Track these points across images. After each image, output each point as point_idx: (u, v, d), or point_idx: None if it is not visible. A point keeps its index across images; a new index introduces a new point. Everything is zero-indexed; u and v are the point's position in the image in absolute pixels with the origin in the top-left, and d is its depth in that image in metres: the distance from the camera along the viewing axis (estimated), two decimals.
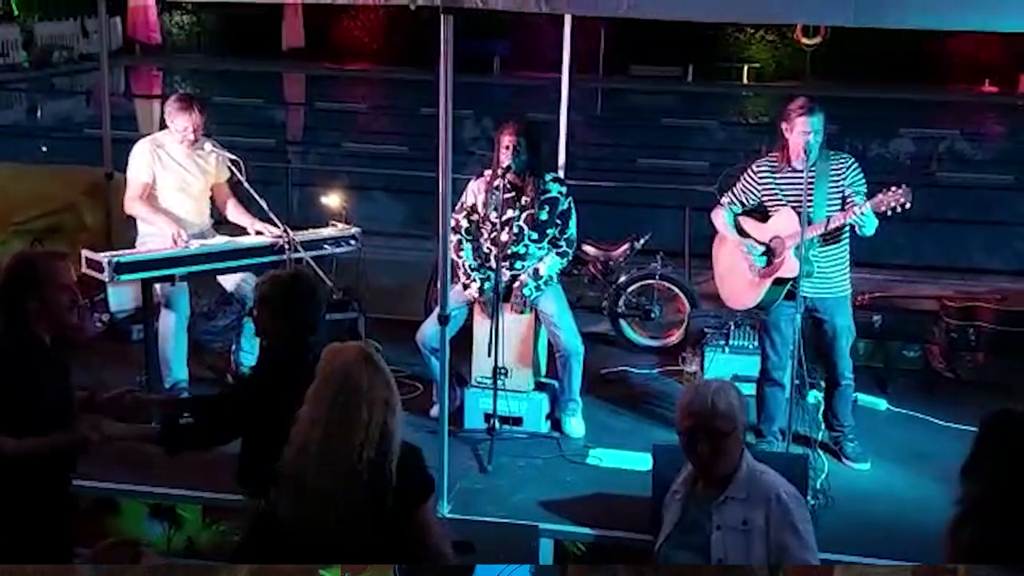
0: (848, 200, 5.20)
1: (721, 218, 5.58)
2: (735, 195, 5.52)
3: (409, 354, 6.22)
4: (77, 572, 3.29)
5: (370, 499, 3.16)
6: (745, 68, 24.42)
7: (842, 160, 5.32)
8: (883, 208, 5.01)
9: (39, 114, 21.52)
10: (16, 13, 24.29)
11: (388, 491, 3.17)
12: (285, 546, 3.23)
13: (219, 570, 3.53)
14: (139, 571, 2.72)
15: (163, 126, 6.07)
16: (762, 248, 5.41)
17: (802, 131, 5.17)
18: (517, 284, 5.69)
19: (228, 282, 6.15)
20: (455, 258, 5.70)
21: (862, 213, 5.03)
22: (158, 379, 5.79)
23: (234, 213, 6.19)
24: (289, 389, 3.37)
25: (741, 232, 5.52)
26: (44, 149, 16.08)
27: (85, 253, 5.71)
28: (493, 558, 4.23)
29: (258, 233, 5.99)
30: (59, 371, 3.76)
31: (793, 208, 5.23)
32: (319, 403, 3.20)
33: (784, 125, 5.28)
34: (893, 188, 5.01)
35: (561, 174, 6.60)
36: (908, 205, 4.97)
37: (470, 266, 5.74)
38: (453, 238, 5.66)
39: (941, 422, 6.05)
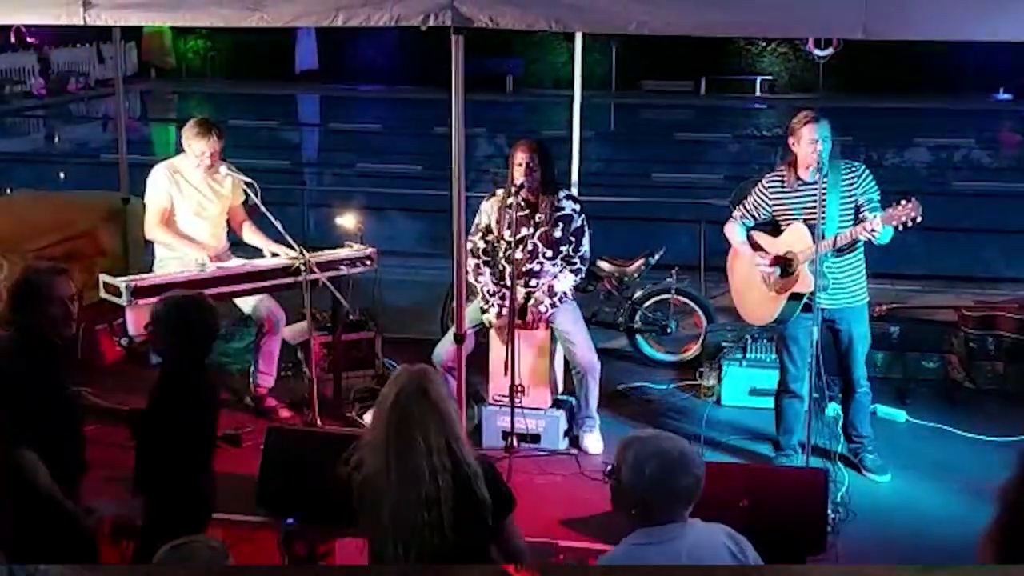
0: (861, 210, 5.18)
1: (734, 233, 5.58)
2: (747, 209, 5.52)
3: None
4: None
5: (465, 520, 3.20)
6: (757, 81, 24.41)
7: (853, 169, 5.30)
8: (894, 223, 4.98)
9: (56, 140, 21.69)
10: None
11: (486, 509, 3.23)
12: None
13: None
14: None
15: (179, 150, 6.11)
16: (777, 269, 5.39)
17: (809, 140, 5.16)
18: (532, 302, 5.70)
19: (245, 304, 6.18)
20: (474, 282, 5.72)
21: (872, 230, 5.01)
22: None
23: (249, 235, 6.22)
24: (181, 403, 3.72)
25: (754, 246, 5.51)
26: (62, 176, 16.20)
27: (103, 278, 5.76)
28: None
29: (273, 255, 6.01)
30: (62, 382, 3.81)
31: (805, 221, 5.22)
32: (378, 431, 3.27)
33: (791, 139, 5.28)
34: (903, 202, 4.97)
35: (575, 191, 6.61)
36: (919, 219, 4.95)
37: (489, 291, 5.75)
38: (471, 261, 5.67)
39: (961, 432, 6.02)
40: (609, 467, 3.14)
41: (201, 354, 4.00)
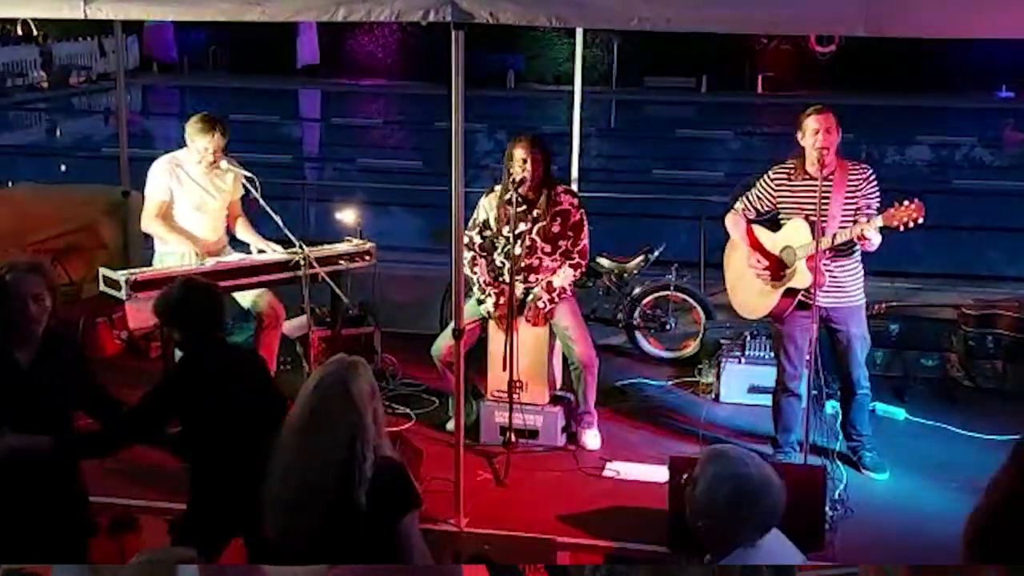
0: (860, 213, 5.18)
1: (733, 224, 5.58)
2: (749, 201, 5.52)
3: (424, 368, 6.25)
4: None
5: (339, 516, 3.15)
6: (759, 78, 24.39)
7: (860, 171, 5.30)
8: (895, 223, 4.96)
9: (58, 134, 21.69)
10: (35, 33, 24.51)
11: (357, 514, 3.15)
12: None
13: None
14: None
15: (181, 144, 6.11)
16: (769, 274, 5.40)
17: (813, 131, 5.17)
18: (531, 297, 5.70)
19: (244, 299, 6.18)
20: (469, 273, 5.72)
21: (862, 232, 5.01)
22: None
23: (242, 230, 6.22)
24: (202, 385, 3.85)
25: (753, 240, 5.51)
26: (63, 168, 16.21)
27: (103, 272, 5.76)
28: (510, 572, 4.23)
29: (260, 251, 6.03)
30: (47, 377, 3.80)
31: (807, 218, 5.22)
32: (294, 411, 3.26)
33: (798, 134, 5.28)
34: (906, 202, 4.96)
35: (574, 186, 6.62)
36: (921, 220, 4.93)
37: (484, 282, 5.75)
38: (467, 254, 5.67)
39: (960, 431, 6.03)
40: (686, 475, 3.05)
41: (220, 331, 4.10)
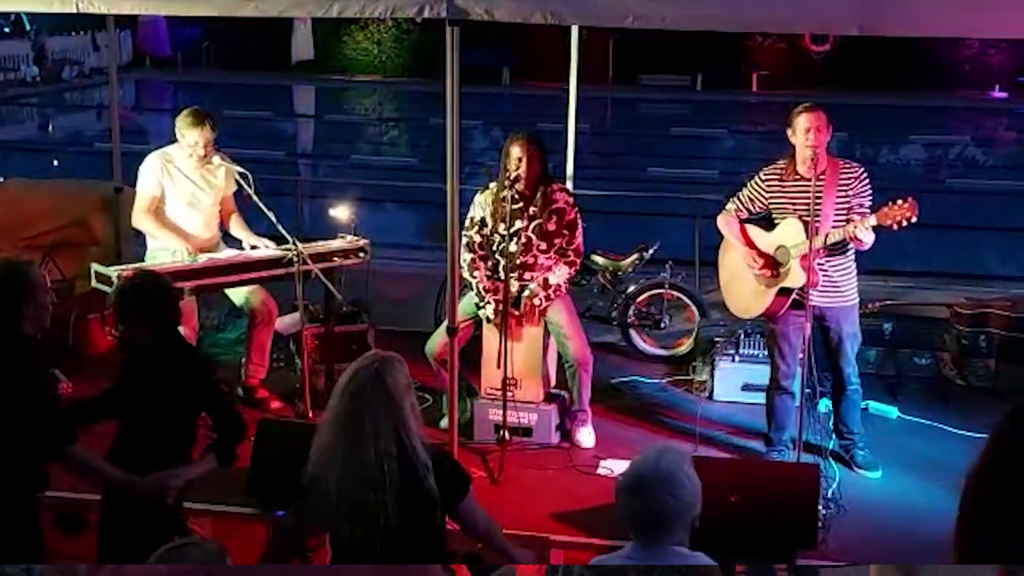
0: (853, 212, 5.18)
1: (727, 224, 5.58)
2: (741, 201, 5.52)
3: (418, 366, 6.23)
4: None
5: (409, 510, 3.23)
6: (754, 76, 24.38)
7: (852, 170, 5.30)
8: (888, 222, 4.97)
9: (50, 129, 21.62)
10: (27, 28, 24.45)
11: (432, 501, 3.26)
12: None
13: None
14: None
15: (173, 140, 6.09)
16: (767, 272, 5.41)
17: (803, 129, 5.16)
18: (526, 295, 5.69)
19: (237, 295, 6.17)
20: (469, 277, 5.71)
21: (855, 231, 5.01)
22: None
23: (235, 227, 6.21)
24: (154, 380, 3.87)
25: (747, 240, 5.51)
26: (55, 163, 16.16)
27: (95, 267, 5.74)
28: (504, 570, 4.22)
29: (253, 248, 6.02)
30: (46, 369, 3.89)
31: (800, 217, 5.22)
32: (331, 410, 3.32)
33: (788, 131, 5.28)
34: (899, 201, 4.97)
35: (569, 184, 6.61)
36: (915, 219, 4.94)
37: (484, 288, 5.73)
38: (466, 256, 5.66)
39: (953, 429, 6.04)
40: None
41: (174, 329, 4.08)
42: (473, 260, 5.75)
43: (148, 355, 3.98)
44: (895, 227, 4.97)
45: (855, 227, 5.03)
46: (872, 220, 5.01)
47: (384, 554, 3.22)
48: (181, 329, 4.25)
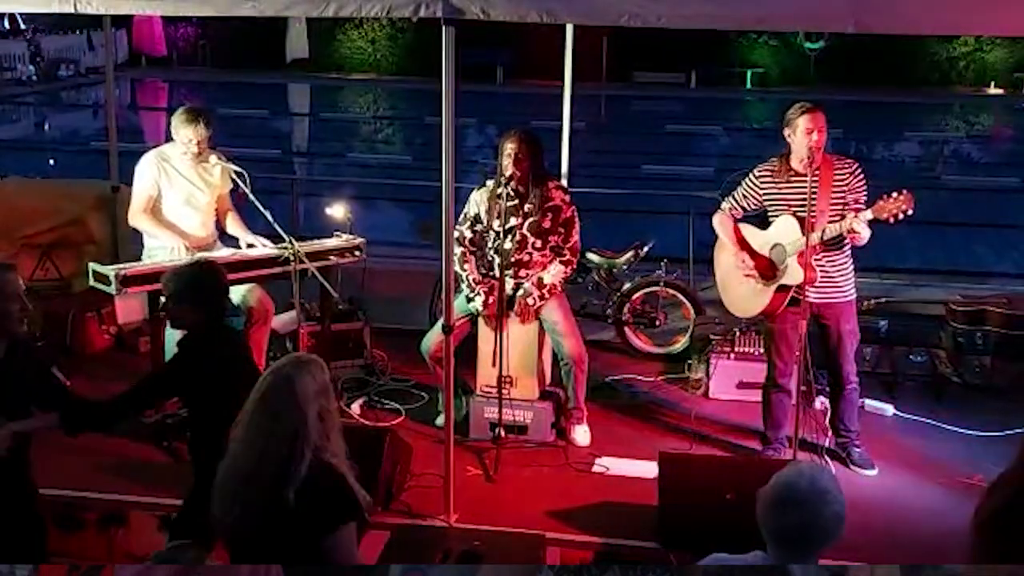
0: (848, 208, 5.19)
1: (721, 224, 5.58)
2: (736, 200, 5.52)
3: (414, 364, 6.25)
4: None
5: (273, 514, 3.15)
6: (748, 73, 24.41)
7: (846, 166, 5.31)
8: (885, 215, 4.98)
9: (46, 128, 21.59)
10: (22, 27, 24.40)
11: (288, 512, 3.13)
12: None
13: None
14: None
15: (169, 138, 6.09)
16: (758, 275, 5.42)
17: (805, 131, 5.17)
18: (521, 293, 5.70)
19: (234, 294, 6.15)
20: (459, 270, 5.72)
21: (853, 225, 5.02)
22: None
23: (231, 225, 6.21)
24: (204, 369, 3.97)
25: (741, 240, 5.51)
26: (52, 163, 16.14)
27: (92, 266, 5.74)
28: (500, 568, 4.23)
29: (250, 246, 6.02)
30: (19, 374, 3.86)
31: (795, 214, 5.23)
32: (248, 402, 3.26)
33: (787, 131, 5.28)
34: (895, 194, 4.99)
35: (564, 182, 6.61)
36: (911, 212, 4.96)
37: (473, 280, 5.74)
38: (457, 250, 5.67)
39: (948, 427, 6.05)
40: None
41: (223, 314, 4.21)
42: (464, 254, 5.76)
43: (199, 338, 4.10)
44: (892, 220, 4.98)
45: (852, 221, 5.04)
46: (869, 214, 5.02)
47: (253, 549, 3.18)
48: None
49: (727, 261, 5.60)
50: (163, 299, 4.27)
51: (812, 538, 2.91)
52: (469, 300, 5.74)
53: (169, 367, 4.27)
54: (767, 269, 5.39)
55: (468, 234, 5.78)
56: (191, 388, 4.09)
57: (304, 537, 3.17)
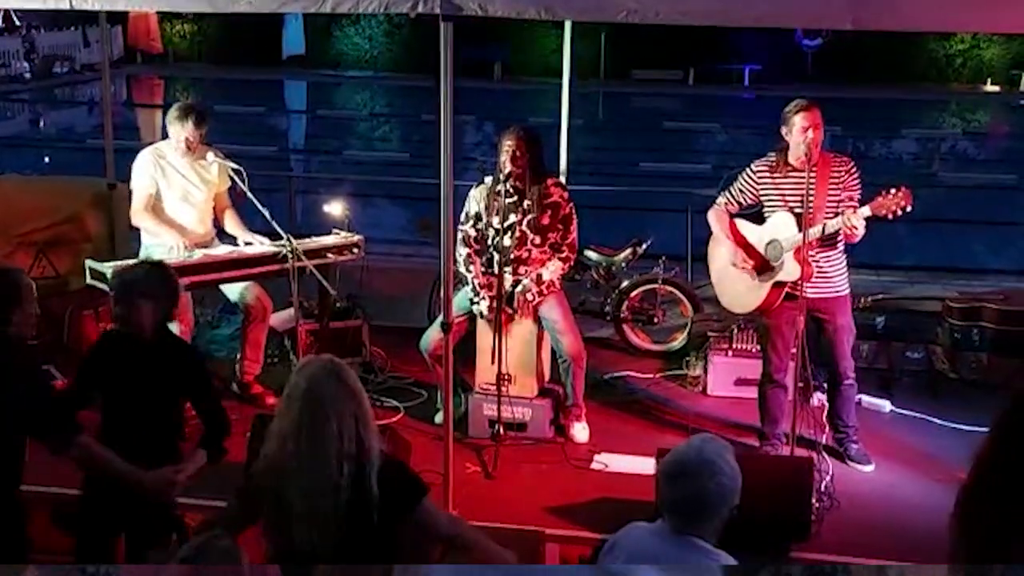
0: (843, 205, 5.20)
1: (716, 219, 5.59)
2: (732, 195, 5.53)
3: (413, 362, 6.25)
4: None
5: (356, 513, 3.14)
6: (746, 71, 24.40)
7: (842, 164, 5.32)
8: (883, 212, 5.00)
9: (42, 125, 21.56)
10: (17, 24, 24.34)
11: (372, 504, 3.15)
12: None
13: None
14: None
15: (165, 135, 6.09)
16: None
17: (801, 128, 5.18)
18: (520, 289, 5.70)
19: (232, 292, 6.17)
20: (464, 272, 5.71)
21: (851, 220, 5.03)
22: None
23: (229, 223, 6.21)
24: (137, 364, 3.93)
25: (737, 236, 5.52)
26: (47, 160, 16.12)
27: (89, 264, 5.74)
28: None
29: (247, 244, 6.02)
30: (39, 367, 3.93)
31: (791, 210, 5.24)
32: (287, 417, 3.19)
33: (784, 128, 5.29)
34: (893, 191, 5.00)
35: (563, 179, 6.62)
36: (909, 208, 4.97)
37: (479, 284, 5.73)
38: (462, 250, 5.67)
39: (945, 423, 6.06)
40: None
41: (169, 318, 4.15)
42: (469, 255, 5.75)
43: (142, 341, 4.01)
44: (890, 216, 5.00)
45: (851, 216, 5.05)
46: (867, 210, 5.04)
47: (332, 558, 3.14)
48: (175, 325, 4.27)
49: (722, 256, 5.60)
50: (115, 303, 4.11)
51: (700, 509, 2.98)
52: (473, 303, 5.74)
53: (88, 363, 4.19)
54: (763, 265, 5.39)
55: (472, 232, 5.77)
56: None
57: (388, 528, 3.21)
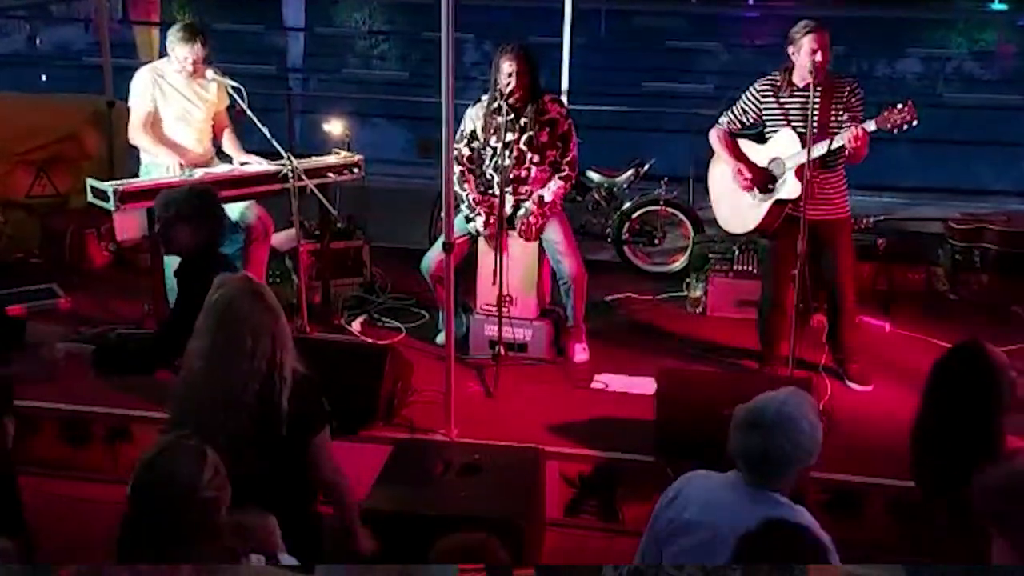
0: (844, 124, 5.16)
1: (718, 138, 5.55)
2: (734, 114, 5.48)
3: (414, 282, 6.26)
4: None
5: (261, 428, 3.17)
6: None
7: (845, 83, 5.28)
8: (889, 126, 4.98)
9: (38, 42, 21.29)
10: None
11: (280, 420, 3.18)
12: None
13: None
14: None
15: (163, 54, 6.01)
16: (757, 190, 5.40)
17: (809, 50, 5.12)
18: (522, 212, 5.68)
19: (232, 211, 6.14)
20: (459, 190, 5.69)
21: (857, 134, 5.00)
22: (164, 306, 5.81)
23: (227, 143, 6.16)
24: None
25: (739, 155, 5.49)
26: (44, 78, 15.96)
27: (90, 182, 5.72)
28: (499, 480, 4.30)
29: (243, 164, 5.98)
30: None
31: (795, 129, 5.20)
32: (203, 335, 3.21)
33: (790, 48, 5.23)
34: (899, 106, 4.97)
35: (564, 98, 6.55)
36: (915, 123, 4.94)
37: (474, 200, 5.71)
38: (456, 169, 5.63)
39: (944, 344, 6.06)
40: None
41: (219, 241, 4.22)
42: (463, 172, 5.72)
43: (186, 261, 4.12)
44: (895, 131, 4.98)
45: (856, 131, 5.02)
46: (872, 125, 5.01)
47: (241, 474, 3.08)
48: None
49: (723, 174, 5.58)
50: (157, 222, 4.21)
51: (774, 462, 2.95)
52: (468, 220, 5.72)
53: (179, 306, 4.21)
54: (764, 182, 5.37)
55: (466, 151, 5.73)
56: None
57: (294, 445, 3.23)
